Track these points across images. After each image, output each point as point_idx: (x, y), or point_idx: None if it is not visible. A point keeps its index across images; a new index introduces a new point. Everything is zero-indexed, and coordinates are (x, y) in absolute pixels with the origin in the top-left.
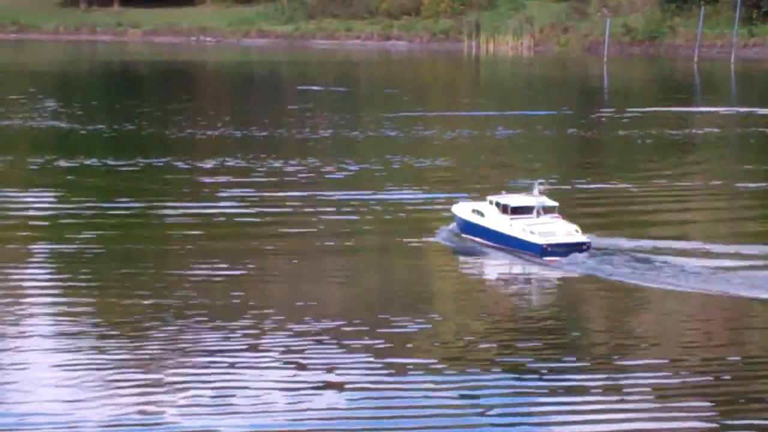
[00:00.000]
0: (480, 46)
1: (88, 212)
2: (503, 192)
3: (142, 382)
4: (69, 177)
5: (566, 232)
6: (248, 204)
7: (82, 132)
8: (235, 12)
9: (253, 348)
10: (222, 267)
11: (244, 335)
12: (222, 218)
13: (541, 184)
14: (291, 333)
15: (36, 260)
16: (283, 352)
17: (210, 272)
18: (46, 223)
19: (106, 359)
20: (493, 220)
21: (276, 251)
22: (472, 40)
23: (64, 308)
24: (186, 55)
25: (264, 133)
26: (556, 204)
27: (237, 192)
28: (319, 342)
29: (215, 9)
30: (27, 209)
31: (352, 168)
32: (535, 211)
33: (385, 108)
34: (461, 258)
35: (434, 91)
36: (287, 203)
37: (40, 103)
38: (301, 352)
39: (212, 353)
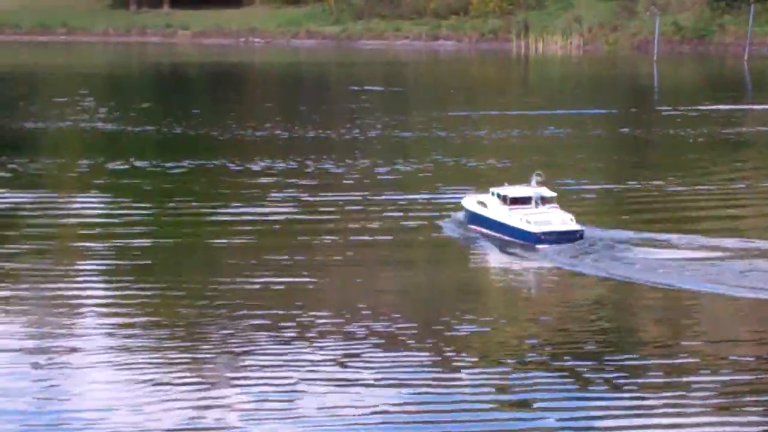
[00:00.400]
0: (529, 45)
1: (139, 215)
2: (505, 183)
3: (202, 387)
4: (119, 180)
5: (561, 221)
6: (300, 205)
7: (132, 134)
8: (284, 13)
9: (309, 349)
10: (274, 270)
11: (299, 337)
12: (274, 220)
13: (539, 175)
14: (346, 334)
15: (88, 263)
16: (342, 354)
17: (263, 275)
18: (98, 228)
19: (164, 362)
20: (494, 210)
21: (327, 252)
22: (521, 39)
23: (119, 312)
24: (234, 57)
25: (313, 134)
26: (554, 194)
27: (288, 193)
28: (376, 344)
29: (264, 10)
30: (79, 212)
31: (403, 169)
32: (533, 202)
33: (434, 108)
34: (511, 259)
35: (483, 91)
36: (337, 205)
37: (90, 105)
38: (358, 354)
39: (269, 355)
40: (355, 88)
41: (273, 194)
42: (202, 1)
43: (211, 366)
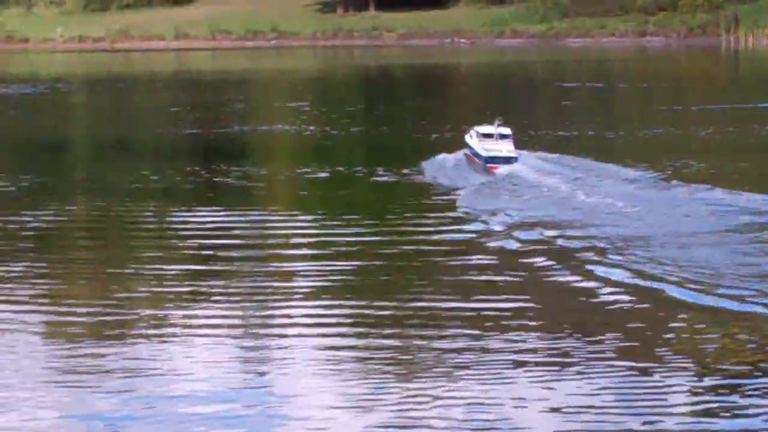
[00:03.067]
0: (739, 40)
1: (351, 230)
2: (483, 124)
3: (402, 396)
4: (329, 191)
5: (507, 150)
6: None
7: (343, 137)
8: (489, 13)
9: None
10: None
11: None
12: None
13: (499, 119)
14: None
15: (297, 282)
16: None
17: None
18: (305, 249)
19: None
20: (473, 141)
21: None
22: (730, 34)
23: (329, 333)
24: (439, 58)
25: (533, 132)
26: (510, 132)
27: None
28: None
29: (469, 10)
30: (287, 229)
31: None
32: (494, 137)
33: (647, 104)
34: None
35: (693, 87)
36: None
37: (300, 108)
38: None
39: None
40: (571, 84)
41: None
42: (407, 2)
43: (417, 380)
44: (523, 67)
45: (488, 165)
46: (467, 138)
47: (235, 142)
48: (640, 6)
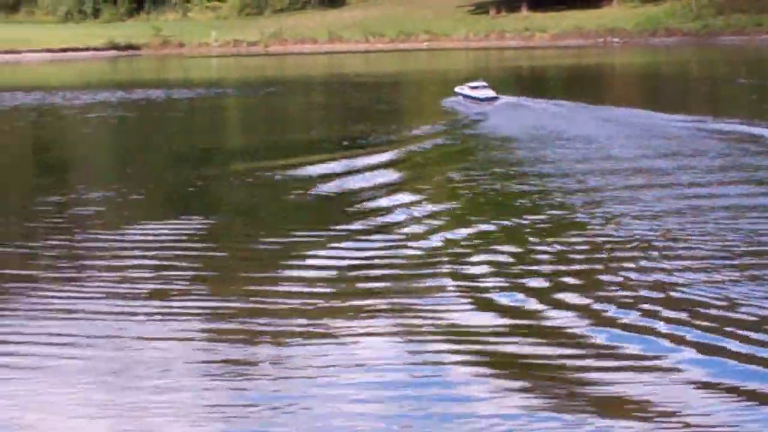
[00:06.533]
0: None
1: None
2: (472, 80)
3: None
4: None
5: (490, 92)
6: None
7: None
8: (643, 11)
9: None
10: None
11: None
12: None
13: (483, 79)
14: None
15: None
16: None
17: None
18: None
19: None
20: (466, 90)
21: None
22: None
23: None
24: (593, 57)
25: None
26: (486, 83)
27: None
28: None
29: (622, 9)
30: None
31: None
32: (479, 87)
33: None
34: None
35: None
36: None
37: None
38: None
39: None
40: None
41: None
42: (560, 3)
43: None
44: (676, 67)
45: (482, 102)
46: (458, 89)
47: (388, 143)
48: None
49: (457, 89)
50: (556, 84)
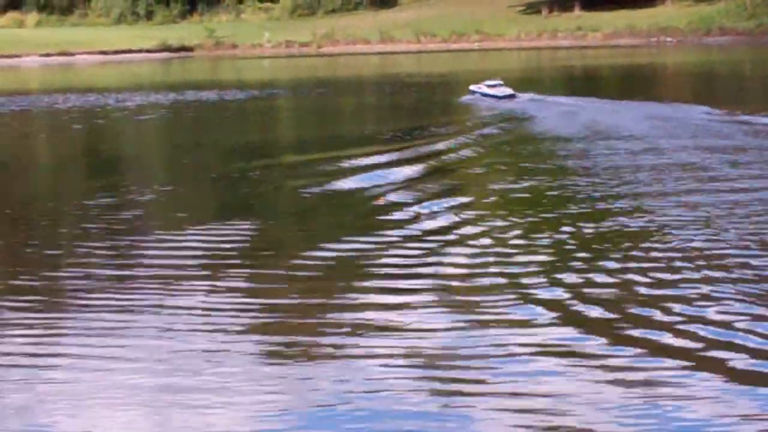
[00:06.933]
0: None
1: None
2: (489, 79)
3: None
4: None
5: (509, 90)
6: None
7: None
8: (696, 10)
9: None
10: None
11: None
12: None
13: (500, 77)
14: None
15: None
16: None
17: None
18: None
19: None
20: (484, 89)
21: None
22: None
23: None
24: (645, 57)
25: None
26: (502, 81)
27: None
28: None
29: (675, 8)
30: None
31: None
32: (497, 86)
33: None
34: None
35: None
36: None
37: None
38: None
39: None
40: None
41: None
42: (613, 1)
43: None
44: (731, 67)
45: (501, 99)
46: (474, 87)
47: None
48: None
49: (472, 87)
50: (608, 83)
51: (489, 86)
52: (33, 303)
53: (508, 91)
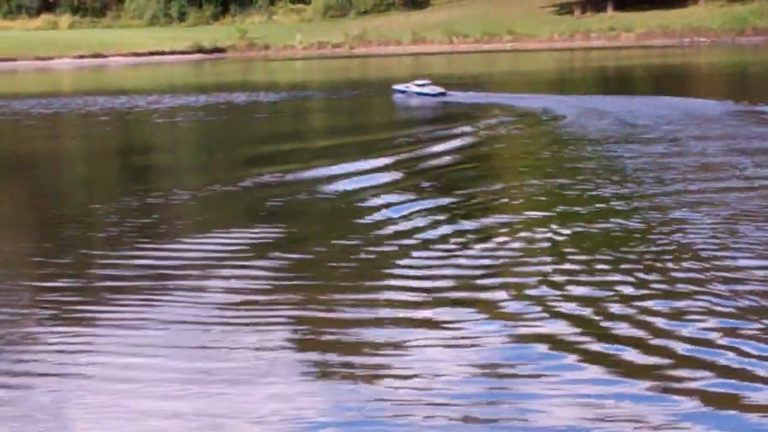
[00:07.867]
0: None
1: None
2: (418, 79)
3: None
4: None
5: (437, 88)
6: None
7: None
8: (729, 11)
9: None
10: None
11: None
12: None
13: (428, 77)
14: None
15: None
16: None
17: None
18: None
19: None
20: (413, 88)
21: None
22: None
23: None
24: (678, 57)
25: None
26: (430, 81)
27: None
28: None
29: (708, 8)
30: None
31: None
32: (425, 85)
33: None
34: None
35: None
36: None
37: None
38: None
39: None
40: None
41: None
42: (645, 2)
43: None
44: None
45: (434, 97)
46: (402, 86)
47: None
48: None
49: (400, 87)
50: (644, 82)
51: (419, 85)
52: (70, 296)
53: (439, 89)
